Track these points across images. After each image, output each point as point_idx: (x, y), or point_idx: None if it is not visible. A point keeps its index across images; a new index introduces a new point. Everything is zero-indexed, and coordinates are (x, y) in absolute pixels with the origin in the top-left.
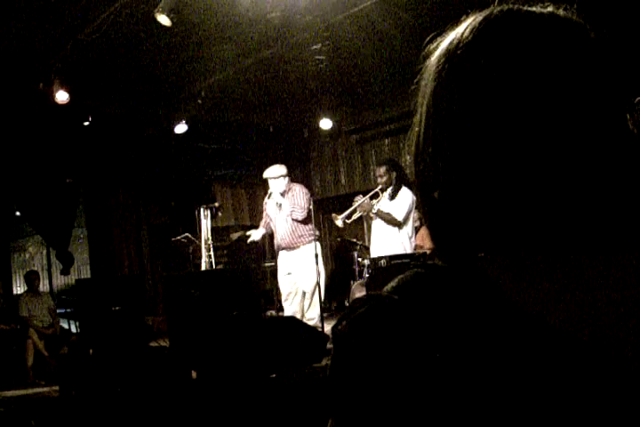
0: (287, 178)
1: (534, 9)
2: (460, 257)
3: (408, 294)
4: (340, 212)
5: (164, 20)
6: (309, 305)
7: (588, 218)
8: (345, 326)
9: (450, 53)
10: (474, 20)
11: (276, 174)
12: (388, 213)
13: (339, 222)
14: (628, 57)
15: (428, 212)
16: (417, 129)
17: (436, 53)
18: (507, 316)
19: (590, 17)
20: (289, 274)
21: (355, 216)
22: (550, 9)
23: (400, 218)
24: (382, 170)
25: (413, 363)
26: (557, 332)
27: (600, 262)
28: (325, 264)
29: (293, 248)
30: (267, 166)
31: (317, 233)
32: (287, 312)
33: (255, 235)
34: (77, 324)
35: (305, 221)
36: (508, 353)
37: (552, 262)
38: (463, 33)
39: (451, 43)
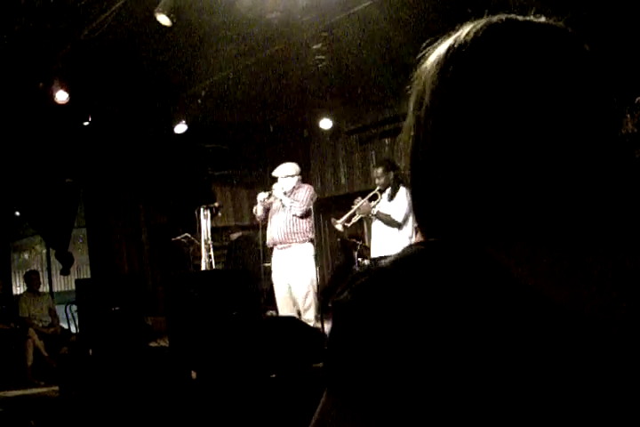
0: (296, 177)
1: (531, 18)
2: (456, 237)
3: (409, 266)
4: (340, 212)
5: (163, 19)
6: (305, 308)
7: (578, 208)
8: (346, 296)
9: (453, 57)
10: (473, 26)
11: (282, 174)
12: (387, 215)
13: (338, 227)
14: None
15: (422, 198)
16: (416, 128)
17: (433, 59)
18: (506, 289)
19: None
20: (284, 275)
21: (354, 219)
22: (544, 19)
23: (399, 219)
24: (380, 171)
25: (415, 334)
26: (556, 306)
27: (601, 248)
28: (325, 264)
29: (287, 246)
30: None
31: (312, 236)
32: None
33: (262, 194)
34: (77, 324)
35: (304, 219)
36: (509, 325)
37: (550, 244)
38: (465, 38)
39: (451, 47)
